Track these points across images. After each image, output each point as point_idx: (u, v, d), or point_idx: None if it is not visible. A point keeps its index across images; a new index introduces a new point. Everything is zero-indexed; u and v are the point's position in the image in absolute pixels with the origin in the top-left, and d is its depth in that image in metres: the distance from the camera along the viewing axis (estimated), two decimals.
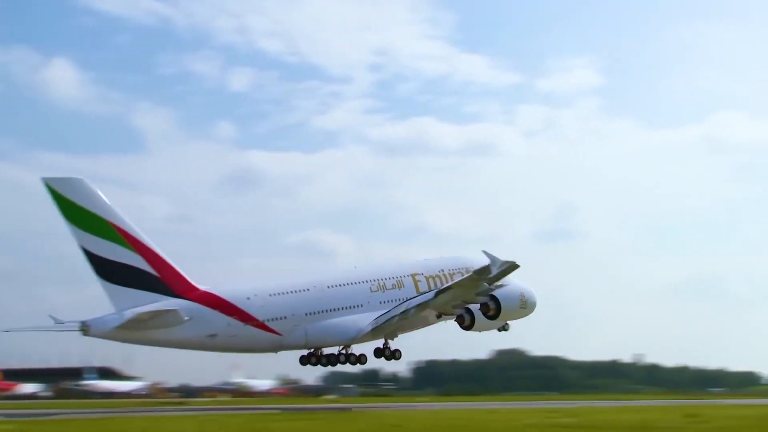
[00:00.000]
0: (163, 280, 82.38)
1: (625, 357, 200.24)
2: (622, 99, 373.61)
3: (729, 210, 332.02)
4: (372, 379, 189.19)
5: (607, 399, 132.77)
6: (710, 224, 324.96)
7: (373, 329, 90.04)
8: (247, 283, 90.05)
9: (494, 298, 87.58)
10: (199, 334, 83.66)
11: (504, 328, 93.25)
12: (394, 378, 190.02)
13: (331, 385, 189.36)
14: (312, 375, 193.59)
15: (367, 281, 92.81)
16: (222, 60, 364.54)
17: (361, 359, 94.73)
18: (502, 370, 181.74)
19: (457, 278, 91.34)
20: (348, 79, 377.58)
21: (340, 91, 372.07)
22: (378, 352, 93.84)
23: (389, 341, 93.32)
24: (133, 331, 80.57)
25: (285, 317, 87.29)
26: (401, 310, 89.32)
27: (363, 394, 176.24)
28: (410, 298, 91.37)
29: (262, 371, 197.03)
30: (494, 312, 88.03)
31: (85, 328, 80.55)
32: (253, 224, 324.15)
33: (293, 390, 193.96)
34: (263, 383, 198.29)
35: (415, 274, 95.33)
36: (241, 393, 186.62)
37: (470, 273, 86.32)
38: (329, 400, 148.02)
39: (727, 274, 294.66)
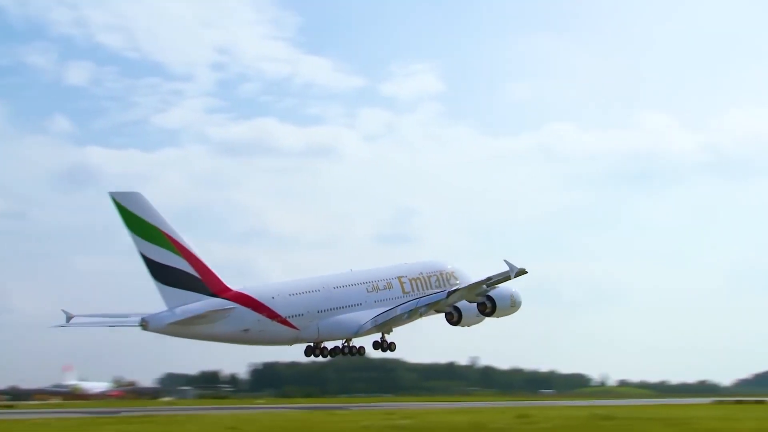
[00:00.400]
0: (204, 281, 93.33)
1: (461, 360, 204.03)
2: (461, 105, 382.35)
3: (561, 217, 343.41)
4: (210, 381, 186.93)
5: (443, 401, 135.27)
6: (543, 230, 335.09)
7: (375, 325, 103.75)
8: (268, 285, 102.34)
9: (490, 298, 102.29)
10: (235, 329, 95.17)
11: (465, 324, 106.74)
12: (232, 380, 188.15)
13: (167, 387, 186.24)
14: (149, 377, 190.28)
15: (363, 283, 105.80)
16: (58, 53, 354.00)
17: (361, 351, 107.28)
18: (340, 372, 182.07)
19: (433, 280, 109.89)
20: (190, 77, 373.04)
21: (181, 89, 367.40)
22: (376, 345, 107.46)
23: (386, 335, 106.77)
24: (183, 326, 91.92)
25: (302, 314, 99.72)
26: (411, 308, 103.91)
27: (200, 396, 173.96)
28: (419, 297, 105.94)
29: (96, 373, 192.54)
30: (490, 310, 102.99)
31: (144, 324, 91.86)
32: (88, 222, 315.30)
33: (129, 392, 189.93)
34: (97, 385, 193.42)
35: (401, 277, 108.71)
36: (74, 396, 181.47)
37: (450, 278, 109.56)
38: (165, 402, 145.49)
39: (559, 279, 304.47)
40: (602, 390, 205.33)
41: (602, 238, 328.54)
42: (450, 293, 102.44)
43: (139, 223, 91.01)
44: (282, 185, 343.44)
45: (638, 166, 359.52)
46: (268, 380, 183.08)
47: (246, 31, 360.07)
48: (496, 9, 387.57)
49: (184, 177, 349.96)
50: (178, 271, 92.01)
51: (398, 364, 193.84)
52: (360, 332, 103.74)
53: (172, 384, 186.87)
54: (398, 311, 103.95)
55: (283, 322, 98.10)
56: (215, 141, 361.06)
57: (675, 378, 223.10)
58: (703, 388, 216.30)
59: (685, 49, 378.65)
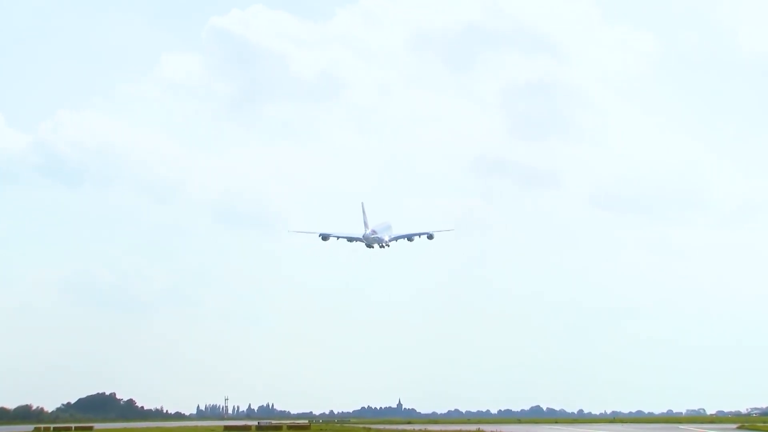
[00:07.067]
0: (368, 225, 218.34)
1: None
2: None
3: None
4: None
5: None
6: None
7: (394, 239, 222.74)
8: (372, 225, 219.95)
9: (431, 235, 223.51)
10: (376, 239, 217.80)
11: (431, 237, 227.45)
12: None
13: None
14: None
15: (387, 225, 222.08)
16: None
17: (384, 246, 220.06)
18: None
19: (388, 226, 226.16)
20: None
21: None
22: (386, 245, 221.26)
23: (389, 243, 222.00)
24: (370, 239, 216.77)
25: (382, 234, 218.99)
26: (411, 235, 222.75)
27: None
28: (410, 232, 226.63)
29: None
30: (431, 238, 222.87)
31: (363, 240, 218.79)
32: None
33: None
34: None
35: (387, 224, 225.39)
36: None
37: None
38: None
39: None
40: None
41: None
42: (427, 234, 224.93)
43: (363, 210, 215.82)
44: None
45: None
46: None
47: None
48: None
49: None
50: (364, 223, 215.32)
51: None
52: (387, 241, 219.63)
53: None
54: (404, 235, 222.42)
55: (378, 236, 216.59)
56: None
57: None
58: (26, 414, 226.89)
59: (22, 46, 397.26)
